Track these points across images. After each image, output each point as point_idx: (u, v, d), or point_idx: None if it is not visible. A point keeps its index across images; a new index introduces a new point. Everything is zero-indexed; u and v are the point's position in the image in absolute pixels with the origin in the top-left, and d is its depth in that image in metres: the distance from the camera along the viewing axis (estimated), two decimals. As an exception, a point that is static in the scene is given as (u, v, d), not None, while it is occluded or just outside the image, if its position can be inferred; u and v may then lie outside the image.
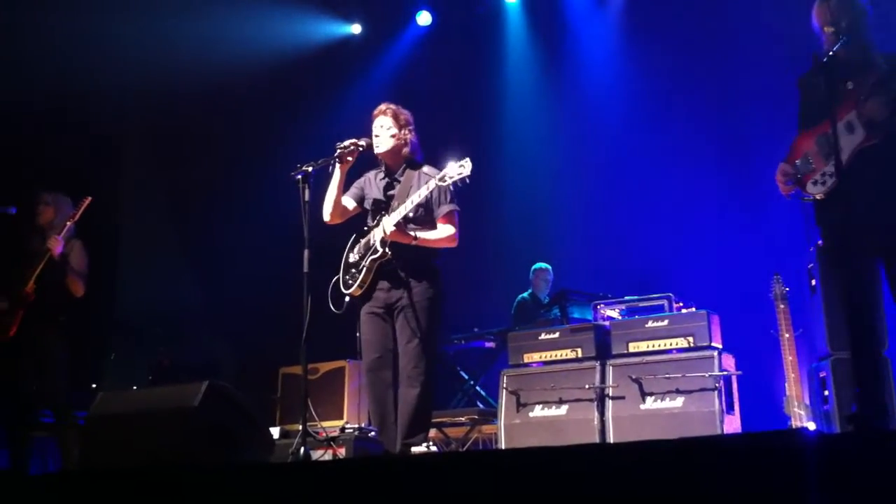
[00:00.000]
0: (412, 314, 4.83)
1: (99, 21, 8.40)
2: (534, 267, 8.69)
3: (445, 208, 4.96)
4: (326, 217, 5.09)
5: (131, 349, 8.96)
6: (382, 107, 5.09)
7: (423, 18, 10.13)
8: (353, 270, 4.99)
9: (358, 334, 5.15)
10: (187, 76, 8.95)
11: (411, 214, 4.87)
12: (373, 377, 4.96)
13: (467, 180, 4.65)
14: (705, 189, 8.14)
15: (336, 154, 4.93)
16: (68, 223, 6.23)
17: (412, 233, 4.87)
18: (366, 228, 5.06)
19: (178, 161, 9.72)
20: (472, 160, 4.65)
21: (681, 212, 8.24)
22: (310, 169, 4.86)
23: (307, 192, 4.81)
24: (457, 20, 9.98)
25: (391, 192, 5.03)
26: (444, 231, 4.96)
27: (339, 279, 5.05)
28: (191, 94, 9.03)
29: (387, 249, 4.83)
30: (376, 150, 5.02)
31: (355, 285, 4.94)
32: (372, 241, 4.91)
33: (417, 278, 4.89)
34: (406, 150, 5.06)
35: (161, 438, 4.48)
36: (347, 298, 4.99)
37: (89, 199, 6.29)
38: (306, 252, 4.77)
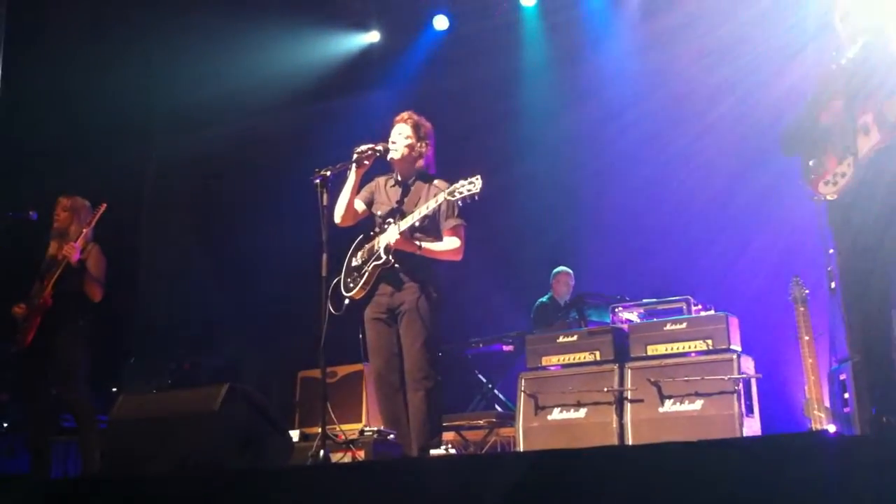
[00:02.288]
0: (415, 317, 4.84)
1: (129, 45, 8.59)
2: (555, 271, 8.63)
3: (452, 222, 4.97)
4: (338, 219, 5.10)
5: (152, 353, 9.00)
6: (405, 115, 5.10)
7: (440, 23, 10.11)
8: (356, 274, 5.00)
9: (361, 336, 5.15)
10: (210, 88, 9.12)
11: (417, 224, 4.88)
12: (381, 383, 4.99)
13: (476, 197, 4.66)
14: (724, 191, 8.09)
15: (354, 158, 4.94)
16: (84, 229, 6.24)
17: (417, 243, 4.89)
18: (371, 234, 5.07)
19: (201, 166, 9.78)
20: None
21: (699, 214, 8.20)
22: (328, 173, 4.86)
23: (325, 196, 4.82)
24: (473, 25, 9.96)
25: (401, 201, 5.04)
26: (449, 244, 4.97)
27: (339, 281, 5.06)
28: (215, 103, 9.12)
29: (390, 257, 4.84)
30: (390, 156, 5.02)
31: (356, 288, 4.95)
32: (376, 248, 4.92)
33: (419, 282, 4.90)
34: (420, 162, 5.08)
35: (181, 442, 4.50)
36: (347, 301, 4.99)
37: (104, 205, 6.29)
38: (324, 256, 4.77)
